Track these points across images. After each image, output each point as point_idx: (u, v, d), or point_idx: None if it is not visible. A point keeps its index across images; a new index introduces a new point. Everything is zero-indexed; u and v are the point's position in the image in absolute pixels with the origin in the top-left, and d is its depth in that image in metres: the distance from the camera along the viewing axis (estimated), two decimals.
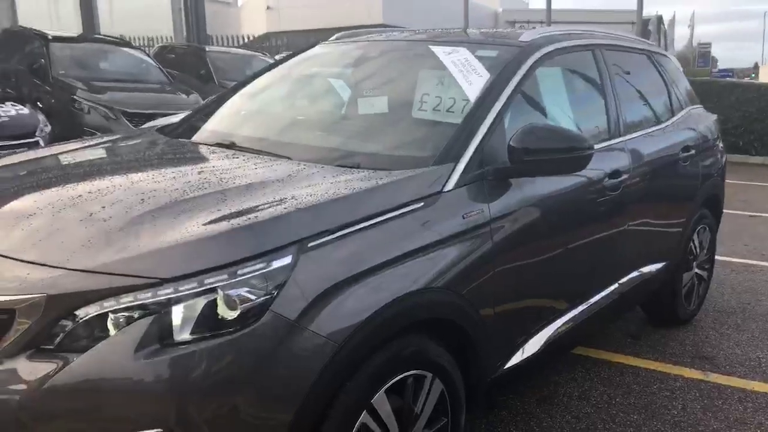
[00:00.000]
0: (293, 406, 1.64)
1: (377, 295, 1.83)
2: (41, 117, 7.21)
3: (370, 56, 3.22)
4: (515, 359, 2.49)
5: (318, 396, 1.69)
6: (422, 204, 2.06)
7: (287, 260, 1.68)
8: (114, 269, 1.60)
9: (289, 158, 2.33)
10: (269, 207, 1.80)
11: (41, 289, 1.59)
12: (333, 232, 1.80)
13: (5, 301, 1.61)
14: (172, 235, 1.68)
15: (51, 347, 1.58)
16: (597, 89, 3.13)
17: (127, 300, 1.57)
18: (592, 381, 3.31)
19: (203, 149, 2.60)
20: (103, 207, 1.87)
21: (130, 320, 1.56)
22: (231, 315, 1.60)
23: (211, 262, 1.62)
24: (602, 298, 3.02)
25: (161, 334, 1.56)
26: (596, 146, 2.92)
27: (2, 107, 6.90)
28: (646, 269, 3.40)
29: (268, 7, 29.59)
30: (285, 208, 1.80)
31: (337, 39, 3.48)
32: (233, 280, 1.62)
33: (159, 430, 1.52)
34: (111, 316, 1.57)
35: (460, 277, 2.10)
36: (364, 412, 1.85)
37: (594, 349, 3.64)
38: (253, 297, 1.62)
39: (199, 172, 2.17)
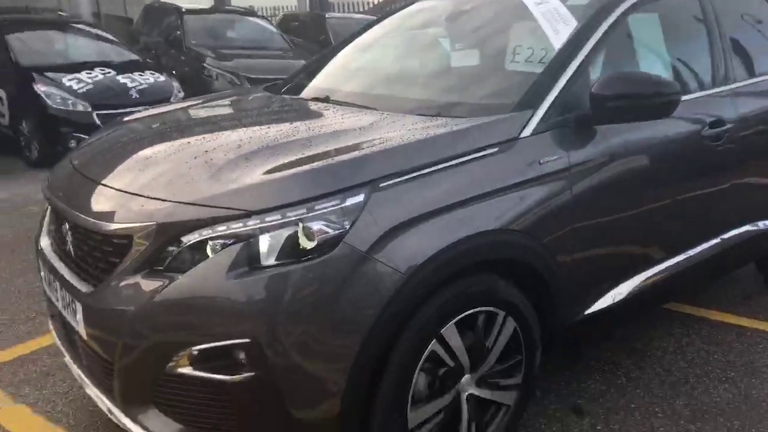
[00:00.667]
0: (362, 331, 1.81)
1: (445, 233, 1.95)
2: (175, 84, 7.87)
3: (463, 10, 3.28)
4: (596, 306, 2.52)
5: (386, 322, 1.85)
6: (497, 149, 2.14)
7: (360, 198, 1.84)
8: (210, 202, 1.84)
9: (375, 109, 2.48)
10: (346, 151, 1.97)
11: (153, 218, 1.87)
12: (404, 174, 1.93)
13: (125, 227, 1.90)
14: (260, 174, 1.89)
15: (161, 268, 1.85)
16: (700, 35, 2.98)
17: (221, 229, 1.80)
18: (690, 337, 3.24)
19: (299, 103, 2.82)
20: (206, 151, 2.12)
21: (224, 246, 1.80)
22: (309, 245, 1.79)
23: (292, 198, 1.81)
24: (700, 252, 2.93)
25: (250, 259, 1.78)
26: (696, 94, 2.85)
27: (142, 75, 7.61)
28: (759, 224, 3.24)
29: None
30: (359, 152, 1.96)
31: None
32: (311, 214, 1.81)
33: (247, 339, 1.75)
34: (209, 242, 1.81)
35: (534, 221, 2.17)
36: (434, 341, 1.99)
37: (697, 306, 3.54)
38: (328, 229, 1.80)
39: (292, 122, 2.38)
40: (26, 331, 3.28)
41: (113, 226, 1.93)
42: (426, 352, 1.98)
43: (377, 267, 1.83)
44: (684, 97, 2.65)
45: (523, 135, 2.21)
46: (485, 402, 2.24)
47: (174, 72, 8.79)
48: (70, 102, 6.90)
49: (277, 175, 1.88)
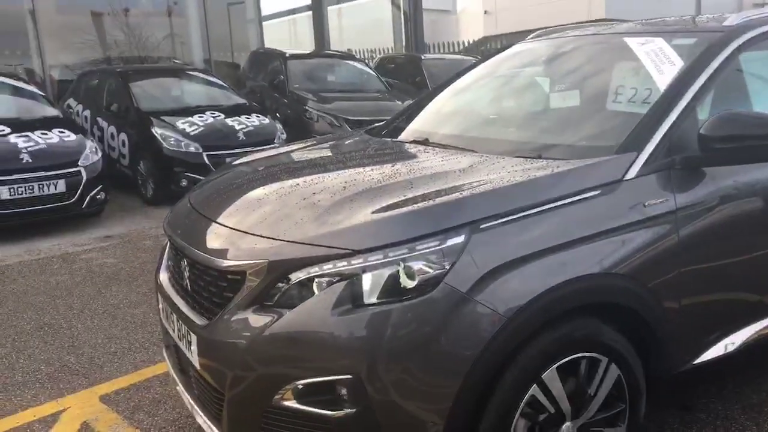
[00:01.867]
0: (462, 372, 1.82)
1: (546, 276, 1.94)
2: (279, 126, 8.26)
3: (564, 51, 3.28)
4: (707, 356, 2.40)
5: (485, 365, 1.85)
6: (600, 191, 2.12)
7: (460, 239, 1.88)
8: (318, 241, 1.93)
9: (474, 151, 2.52)
10: (447, 193, 2.01)
11: (264, 256, 1.98)
12: (504, 216, 1.95)
13: (239, 264, 2.02)
14: (365, 215, 1.97)
15: (270, 304, 1.95)
16: None
17: (327, 267, 1.88)
18: None
19: (399, 146, 2.91)
20: (314, 193, 2.23)
21: (329, 284, 1.87)
22: (410, 284, 1.84)
23: (395, 238, 1.87)
24: None
25: (353, 297, 1.84)
26: None
27: (249, 118, 8.04)
28: None
29: (485, 12, 29.96)
30: (461, 194, 2.00)
31: (534, 37, 3.59)
32: (413, 254, 1.85)
33: (349, 376, 1.81)
34: (316, 280, 1.90)
35: (638, 265, 2.11)
36: (534, 385, 1.97)
37: None
38: (429, 269, 1.84)
39: (393, 165, 2.46)
40: (141, 360, 3.50)
41: (227, 263, 2.06)
42: (526, 397, 1.96)
43: (477, 308, 1.84)
44: None
45: (627, 177, 2.17)
46: None
47: (278, 115, 9.23)
48: (183, 143, 7.39)
49: (380, 215, 1.95)
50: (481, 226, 1.91)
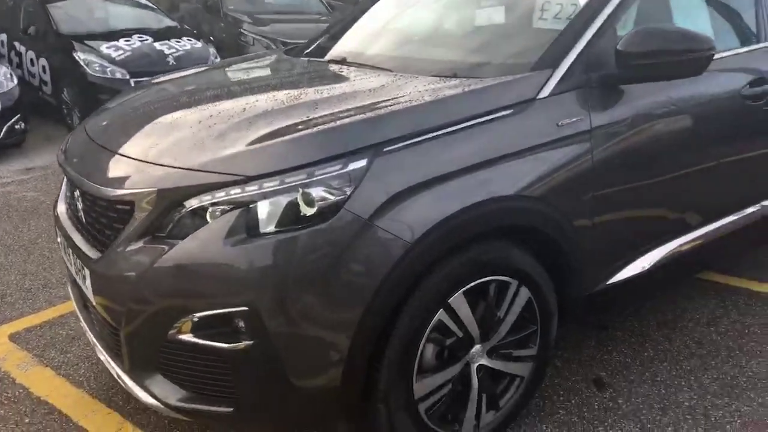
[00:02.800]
0: (364, 300, 1.76)
1: (454, 199, 1.87)
2: (212, 50, 7.87)
3: None
4: (620, 276, 2.41)
5: (390, 291, 1.79)
6: (512, 111, 2.04)
7: (362, 163, 1.78)
8: (210, 168, 1.81)
9: (390, 71, 2.39)
10: (351, 114, 1.90)
11: (154, 184, 1.85)
12: (411, 138, 1.85)
13: (128, 193, 1.89)
14: (261, 138, 1.84)
15: (163, 235, 1.84)
16: None
17: (220, 195, 1.77)
18: (727, 309, 3.10)
19: (315, 66, 2.75)
20: (211, 116, 2.09)
21: (223, 213, 1.76)
22: (309, 212, 1.74)
23: (291, 163, 1.76)
24: (738, 219, 2.78)
25: (248, 227, 1.74)
26: (734, 50, 2.67)
27: (179, 42, 7.63)
28: None
29: None
30: (365, 115, 1.89)
31: None
32: (311, 179, 1.75)
33: (245, 308, 1.73)
34: (209, 209, 1.78)
35: (551, 187, 2.07)
36: (441, 310, 1.94)
37: (735, 277, 3.37)
38: (329, 196, 1.75)
39: (302, 86, 2.32)
40: (57, 296, 3.37)
41: (116, 192, 1.92)
42: (433, 322, 1.93)
43: (380, 235, 1.77)
44: (721, 54, 2.49)
45: (540, 96, 2.10)
46: (498, 373, 2.18)
47: (212, 38, 8.79)
48: (108, 70, 6.97)
49: (277, 139, 1.83)
50: (384, 149, 1.82)
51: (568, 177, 2.11)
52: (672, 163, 2.41)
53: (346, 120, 1.88)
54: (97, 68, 6.98)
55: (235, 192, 1.76)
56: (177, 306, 1.79)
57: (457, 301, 1.96)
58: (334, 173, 1.77)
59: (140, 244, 1.85)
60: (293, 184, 1.75)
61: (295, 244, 1.73)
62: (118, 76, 6.97)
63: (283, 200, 1.75)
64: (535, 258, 2.13)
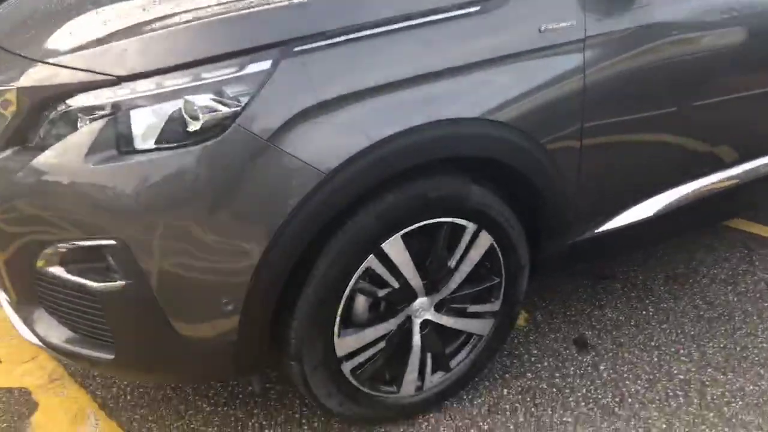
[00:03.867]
0: (262, 241, 1.42)
1: (387, 120, 1.47)
2: None
3: None
4: (615, 222, 2.00)
5: (296, 233, 1.44)
6: (479, 7, 1.58)
7: (263, 65, 1.38)
8: (78, 64, 1.44)
9: None
10: (256, 3, 1.48)
11: (16, 81, 1.50)
12: (333, 35, 1.43)
13: None
14: (137, 30, 1.46)
15: (32, 145, 1.50)
16: None
17: (88, 99, 1.41)
18: (753, 264, 2.64)
19: None
20: (94, 2, 1.70)
21: (92, 121, 1.41)
22: (194, 126, 1.37)
23: (171, 61, 1.38)
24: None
25: (120, 140, 1.39)
26: None
27: None
28: None
29: None
30: (272, 3, 1.47)
31: None
32: (196, 84, 1.37)
33: (113, 241, 1.40)
34: (78, 115, 1.43)
35: (526, 111, 1.64)
36: (371, 256, 1.58)
37: None
38: (219, 107, 1.37)
39: None
40: None
41: None
42: (360, 270, 1.58)
43: (285, 161, 1.40)
44: None
45: None
46: (449, 331, 1.84)
47: None
48: None
49: (158, 31, 1.44)
50: (295, 49, 1.41)
51: (549, 101, 1.67)
52: (684, 93, 1.92)
53: (248, 9, 1.46)
54: None
55: (106, 96, 1.40)
56: (41, 232, 1.48)
57: (393, 246, 1.60)
58: (226, 77, 1.38)
59: (8, 153, 1.52)
60: (174, 88, 1.38)
61: (174, 166, 1.37)
62: None
63: (166, 109, 1.38)
64: (500, 198, 1.73)
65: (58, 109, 1.45)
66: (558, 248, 1.94)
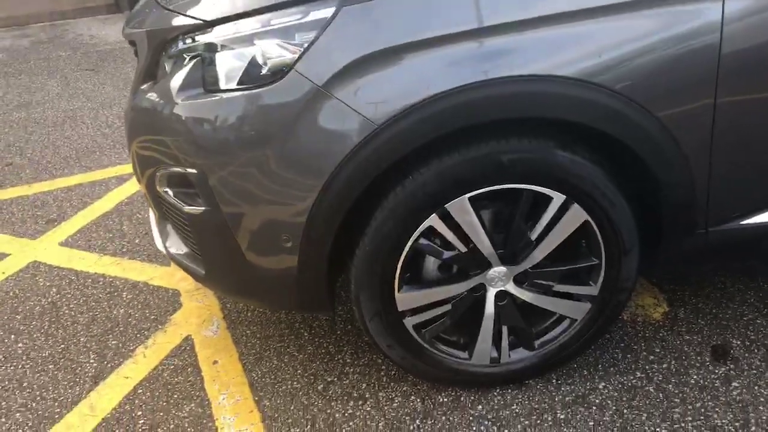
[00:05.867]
0: (314, 185, 1.44)
1: (454, 71, 1.38)
2: None
3: None
4: (759, 219, 1.64)
5: (348, 182, 1.43)
6: None
7: (326, 12, 1.39)
8: (183, 9, 1.60)
9: None
10: None
11: (145, 24, 1.72)
12: None
13: (131, 33, 1.80)
14: None
15: (155, 81, 1.72)
16: None
17: (188, 41, 1.57)
18: None
19: None
20: None
21: (188, 61, 1.57)
22: (264, 70, 1.45)
23: (245, 7, 1.46)
24: None
25: (207, 80, 1.52)
26: None
27: None
28: None
29: None
30: None
31: None
32: (266, 29, 1.44)
33: (194, 171, 1.56)
34: (184, 55, 1.60)
35: (635, 75, 1.40)
36: (434, 215, 1.52)
37: None
38: (283, 52, 1.42)
39: None
40: None
41: (128, 32, 1.84)
42: (421, 228, 1.53)
43: (338, 108, 1.40)
44: None
45: None
46: (534, 307, 1.71)
47: None
48: None
49: None
50: None
51: (671, 66, 1.40)
52: None
53: None
54: None
55: (199, 38, 1.54)
56: (150, 156, 1.70)
57: (460, 208, 1.52)
58: (292, 23, 1.42)
59: (144, 87, 1.77)
60: (250, 32, 1.46)
61: (244, 106, 1.47)
62: None
63: (245, 53, 1.48)
64: (601, 170, 1.53)
65: (170, 50, 1.63)
66: (686, 237, 1.65)
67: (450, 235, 1.56)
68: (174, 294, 2.37)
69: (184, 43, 1.56)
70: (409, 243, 1.55)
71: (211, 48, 1.51)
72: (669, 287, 2.17)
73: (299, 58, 1.40)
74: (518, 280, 1.66)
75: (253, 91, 1.45)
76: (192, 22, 1.55)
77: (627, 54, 1.40)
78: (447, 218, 1.53)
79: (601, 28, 1.39)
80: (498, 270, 1.63)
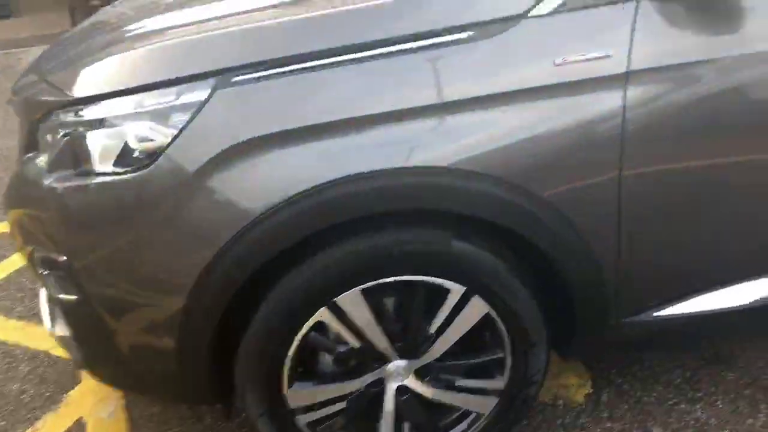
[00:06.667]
0: (187, 280, 1.33)
1: (339, 161, 1.28)
2: None
3: None
4: (685, 307, 1.56)
5: (227, 276, 1.32)
6: (473, 33, 1.29)
7: (199, 95, 1.28)
8: (59, 83, 1.48)
9: None
10: (203, 28, 1.38)
11: (22, 94, 1.61)
12: (277, 66, 1.28)
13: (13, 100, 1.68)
14: (99, 53, 1.45)
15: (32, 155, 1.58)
16: None
17: (61, 117, 1.44)
18: None
19: None
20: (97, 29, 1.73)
21: (63, 137, 1.44)
22: (133, 154, 1.34)
23: (117, 85, 1.35)
24: None
25: (78, 161, 1.39)
26: None
27: None
28: None
29: None
30: (220, 29, 1.35)
31: None
32: (139, 111, 1.33)
33: (64, 257, 1.43)
34: (59, 130, 1.47)
35: (528, 164, 1.32)
36: (324, 308, 1.41)
37: None
38: (154, 135, 1.31)
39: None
40: None
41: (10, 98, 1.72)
42: (310, 323, 1.42)
43: (214, 197, 1.29)
44: None
45: (535, 13, 1.30)
46: (438, 403, 1.59)
47: None
48: None
49: (114, 56, 1.41)
50: (234, 79, 1.28)
51: (572, 154, 1.33)
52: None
53: (188, 36, 1.37)
54: None
55: (70, 116, 1.42)
56: (27, 232, 1.56)
57: (351, 300, 1.41)
58: (164, 105, 1.31)
59: (26, 156, 1.64)
60: (120, 113, 1.34)
61: (112, 190, 1.35)
62: None
63: (119, 134, 1.36)
64: (505, 261, 1.43)
65: (45, 123, 1.50)
66: (598, 328, 1.56)
67: (342, 330, 1.44)
68: (72, 372, 2.20)
69: (57, 119, 1.43)
70: (298, 337, 1.43)
71: (84, 126, 1.39)
72: (596, 365, 2.07)
73: (171, 142, 1.29)
74: (419, 375, 1.55)
75: (125, 176, 1.34)
76: (65, 98, 1.43)
77: (520, 143, 1.32)
78: (339, 311, 1.42)
79: (494, 118, 1.31)
80: (397, 364, 1.52)
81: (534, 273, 1.49)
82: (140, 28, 1.56)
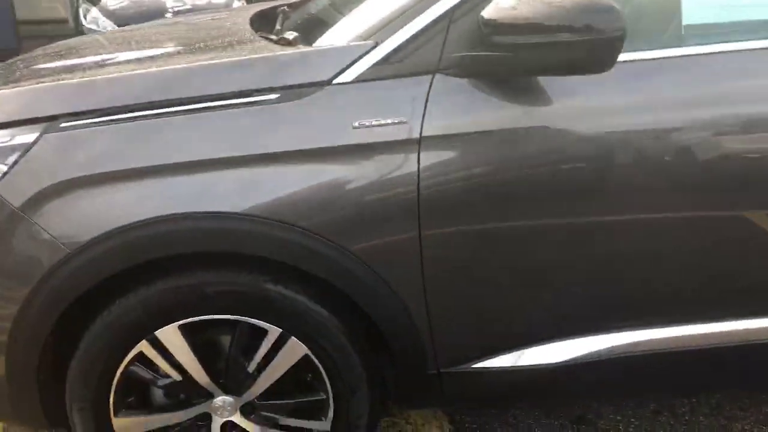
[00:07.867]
0: (10, 310, 1.44)
1: (146, 203, 1.41)
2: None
3: None
4: (501, 360, 1.62)
5: (46, 308, 1.44)
6: (279, 96, 1.43)
7: (28, 138, 1.43)
8: None
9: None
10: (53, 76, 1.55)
11: None
12: (103, 115, 1.43)
13: None
14: None
15: None
16: None
17: None
18: None
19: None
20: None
21: None
22: None
23: None
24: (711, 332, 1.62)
25: None
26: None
27: None
28: None
29: None
30: (58, 80, 1.52)
31: None
32: None
33: None
34: None
35: (333, 217, 1.44)
36: (144, 341, 1.51)
37: None
38: None
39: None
40: None
41: None
42: (131, 354, 1.51)
43: (33, 231, 1.42)
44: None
45: (339, 80, 1.43)
46: None
47: None
48: (99, 21, 6.35)
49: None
50: (61, 125, 1.43)
51: (373, 208, 1.44)
52: (548, 212, 1.50)
53: (32, 85, 1.56)
54: (90, 19, 6.42)
55: None
56: None
57: (170, 336, 1.50)
58: (2, 144, 1.45)
59: None
60: None
61: None
62: (108, 27, 6.06)
63: None
64: (323, 305, 1.53)
65: None
66: (418, 376, 1.63)
67: (163, 363, 1.53)
68: None
69: None
70: (120, 369, 1.53)
71: None
72: (459, 417, 2.12)
73: (3, 177, 1.43)
74: (245, 411, 1.62)
75: None
76: None
77: (327, 198, 1.43)
78: (160, 345, 1.52)
79: (300, 172, 1.43)
80: (223, 399, 1.59)
81: (356, 321, 1.57)
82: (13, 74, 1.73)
